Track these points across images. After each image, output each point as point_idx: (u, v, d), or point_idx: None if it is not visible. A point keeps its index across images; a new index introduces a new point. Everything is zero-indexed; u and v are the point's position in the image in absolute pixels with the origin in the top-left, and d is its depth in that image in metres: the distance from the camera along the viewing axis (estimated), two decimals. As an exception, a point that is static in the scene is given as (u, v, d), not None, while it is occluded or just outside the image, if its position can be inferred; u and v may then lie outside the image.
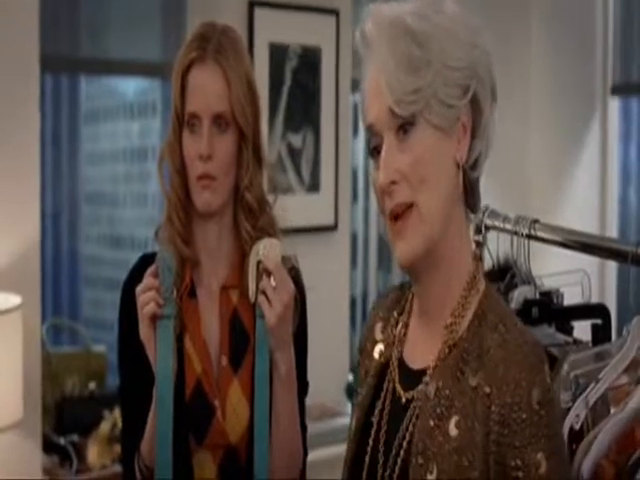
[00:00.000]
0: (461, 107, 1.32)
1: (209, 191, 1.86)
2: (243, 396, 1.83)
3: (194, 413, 1.81)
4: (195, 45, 1.86)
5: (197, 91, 1.86)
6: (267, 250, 1.75)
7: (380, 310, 1.53)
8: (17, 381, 2.75)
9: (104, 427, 3.40)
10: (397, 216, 1.32)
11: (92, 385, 3.61)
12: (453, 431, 1.30)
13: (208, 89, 1.85)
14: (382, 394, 1.43)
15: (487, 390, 1.28)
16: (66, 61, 3.60)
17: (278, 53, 3.55)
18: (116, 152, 6.88)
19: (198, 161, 1.85)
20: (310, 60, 3.68)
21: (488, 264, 1.88)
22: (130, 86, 6.49)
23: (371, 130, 1.34)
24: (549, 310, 1.77)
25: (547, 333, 1.78)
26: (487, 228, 1.86)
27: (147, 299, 1.77)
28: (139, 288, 1.78)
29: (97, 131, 6.87)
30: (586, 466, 1.46)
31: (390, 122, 1.31)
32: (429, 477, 1.30)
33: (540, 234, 1.74)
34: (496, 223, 1.84)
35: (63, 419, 3.44)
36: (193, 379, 1.85)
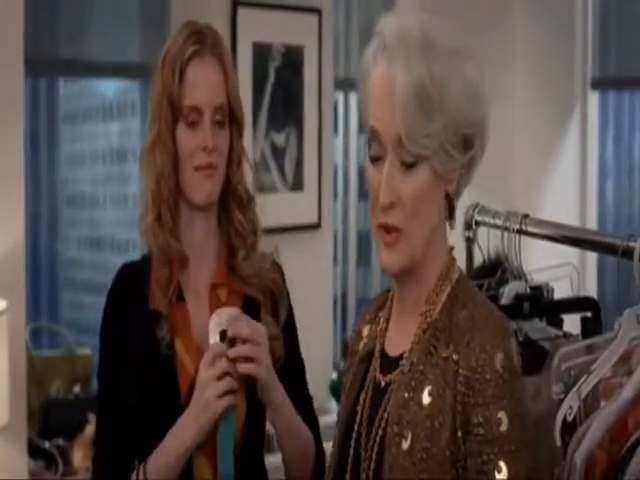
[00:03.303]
0: (460, 161, 1.38)
1: (211, 181, 1.87)
2: (239, 392, 1.83)
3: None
4: (193, 40, 1.87)
5: (198, 84, 1.86)
6: (230, 319, 1.78)
7: (367, 313, 1.59)
8: (3, 386, 2.73)
9: (89, 430, 3.37)
10: (386, 229, 1.38)
11: (77, 388, 3.59)
12: (426, 399, 1.37)
13: (209, 82, 1.86)
14: (366, 384, 1.49)
15: (455, 357, 1.36)
16: (46, 63, 3.57)
17: (261, 52, 3.56)
18: (95, 153, 6.83)
19: (200, 152, 1.84)
20: (293, 59, 3.68)
21: (479, 260, 1.89)
22: (109, 87, 6.45)
23: (374, 134, 1.37)
24: (540, 304, 1.79)
25: (538, 327, 1.80)
26: (477, 224, 1.86)
27: (224, 387, 1.76)
28: (213, 373, 1.77)
29: (76, 132, 6.82)
30: (579, 456, 1.49)
31: (396, 147, 1.35)
32: (404, 444, 1.37)
33: (531, 229, 1.76)
34: (486, 219, 1.86)
35: (48, 423, 3.42)
36: (187, 382, 1.84)
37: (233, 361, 1.75)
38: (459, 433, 1.34)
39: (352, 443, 1.48)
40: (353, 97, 4.45)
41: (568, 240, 1.71)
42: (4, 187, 2.97)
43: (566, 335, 1.80)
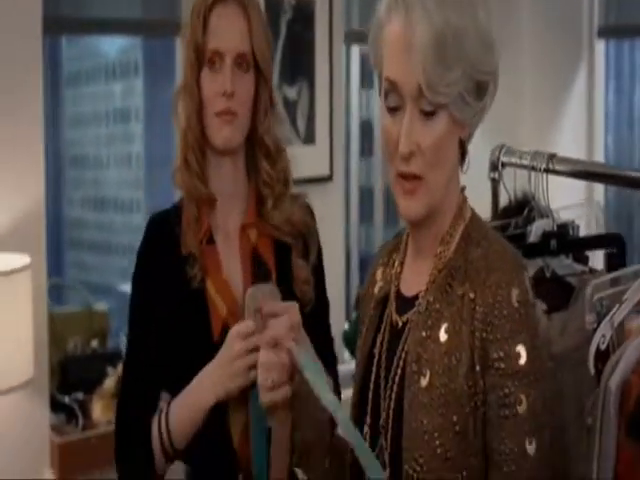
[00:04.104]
0: (476, 107, 1.40)
1: (230, 127, 1.89)
2: None
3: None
4: None
5: (220, 30, 1.88)
6: (265, 295, 1.76)
7: (381, 257, 1.62)
8: (27, 340, 2.75)
9: (108, 383, 3.42)
10: (406, 177, 1.40)
11: (94, 343, 3.60)
12: (443, 337, 1.40)
13: (232, 28, 1.88)
14: (382, 326, 1.52)
15: (472, 295, 1.39)
16: (48, 21, 3.57)
17: (273, 6, 3.55)
18: (99, 114, 6.83)
19: (220, 97, 1.87)
20: (304, 12, 3.68)
21: (505, 200, 1.92)
22: (111, 46, 6.43)
23: (392, 86, 1.38)
24: (567, 241, 1.82)
25: (565, 264, 1.83)
26: (503, 165, 1.89)
27: (254, 360, 1.71)
28: (244, 345, 1.77)
29: (79, 93, 6.82)
30: (614, 382, 1.53)
31: (416, 97, 1.37)
32: (422, 381, 1.40)
33: (558, 167, 1.78)
34: (512, 160, 1.88)
35: (67, 378, 3.44)
36: (219, 322, 1.88)
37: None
38: (477, 367, 1.37)
39: (371, 385, 1.51)
40: (355, 51, 4.42)
41: (596, 176, 1.74)
42: (24, 147, 2.98)
43: (592, 271, 1.84)
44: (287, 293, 1.88)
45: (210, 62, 1.88)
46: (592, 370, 1.60)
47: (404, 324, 1.47)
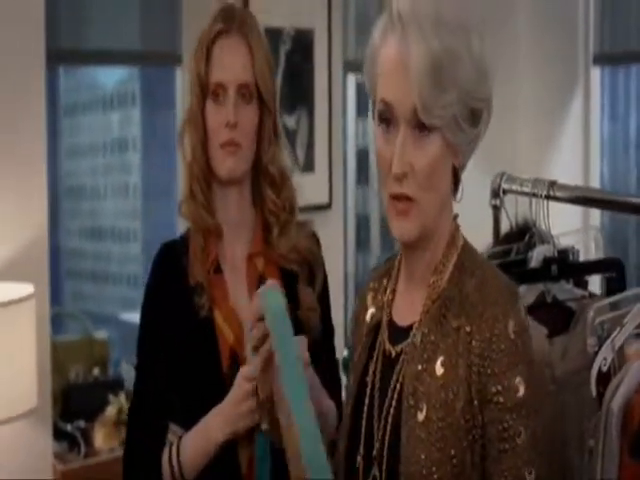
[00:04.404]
0: (471, 134, 1.41)
1: (234, 158, 1.92)
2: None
3: (232, 382, 1.85)
4: (220, 19, 1.93)
5: (223, 61, 1.91)
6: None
7: (372, 281, 1.61)
8: (31, 369, 2.76)
9: (110, 411, 3.45)
10: (398, 198, 1.40)
11: (96, 371, 3.65)
12: (439, 370, 1.40)
13: (234, 59, 1.91)
14: (374, 354, 1.51)
15: (468, 329, 1.39)
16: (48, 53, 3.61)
17: (273, 37, 3.58)
18: (96, 144, 6.87)
19: (223, 129, 1.90)
20: (303, 43, 3.74)
21: (506, 227, 1.95)
22: (109, 77, 6.48)
23: (387, 107, 1.39)
24: (567, 266, 1.85)
25: (566, 289, 1.87)
26: (504, 192, 1.93)
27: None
28: (249, 388, 1.78)
29: (76, 124, 6.86)
30: (616, 404, 1.55)
31: (410, 118, 1.38)
32: (419, 415, 1.39)
33: (559, 194, 1.82)
34: (513, 187, 1.92)
35: (69, 406, 3.47)
36: (227, 349, 1.90)
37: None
38: (475, 402, 1.37)
39: (364, 415, 1.50)
40: (351, 80, 4.47)
41: (596, 203, 1.78)
42: (27, 176, 3.01)
43: (591, 295, 1.87)
44: (293, 320, 1.91)
45: (214, 94, 1.92)
46: (594, 392, 1.63)
47: (398, 354, 1.47)
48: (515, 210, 1.92)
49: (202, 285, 1.93)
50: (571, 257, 1.90)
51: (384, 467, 1.44)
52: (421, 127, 1.38)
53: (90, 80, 6.70)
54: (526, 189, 1.88)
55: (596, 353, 1.62)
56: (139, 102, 6.25)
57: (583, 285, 1.93)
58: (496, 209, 1.93)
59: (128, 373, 3.56)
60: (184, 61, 3.45)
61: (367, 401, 1.50)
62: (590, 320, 1.62)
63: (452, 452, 1.37)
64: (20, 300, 2.73)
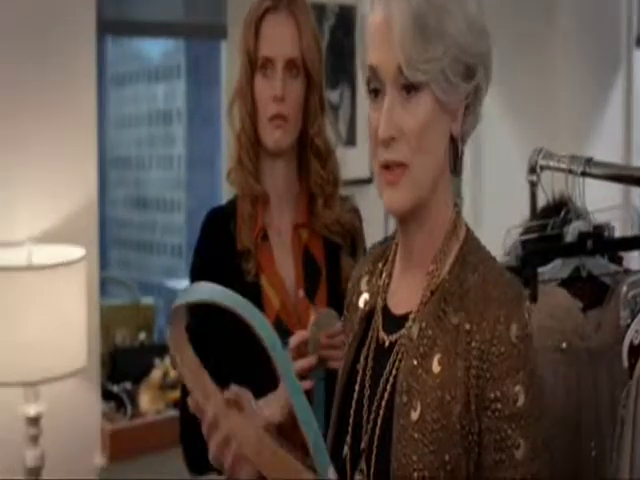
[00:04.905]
0: (464, 90, 1.35)
1: (281, 130, 2.00)
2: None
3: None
4: None
5: (272, 37, 1.99)
6: (325, 322, 1.81)
7: (366, 264, 1.56)
8: (81, 330, 2.85)
9: (155, 375, 3.53)
10: (388, 167, 1.34)
11: (142, 336, 3.73)
12: (436, 368, 1.33)
13: (282, 35, 1.99)
14: (367, 341, 1.46)
15: (467, 327, 1.32)
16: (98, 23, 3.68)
17: (316, 13, 3.61)
18: (141, 115, 6.96)
19: (271, 102, 1.98)
20: (346, 19, 3.78)
21: (543, 201, 2.01)
22: (154, 49, 6.56)
23: (373, 72, 1.34)
24: (602, 242, 1.90)
25: (601, 264, 1.92)
26: (541, 168, 1.99)
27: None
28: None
29: (122, 94, 6.96)
30: (648, 376, 1.60)
31: (396, 78, 1.32)
32: (413, 414, 1.33)
33: (595, 171, 1.87)
34: (550, 163, 1.97)
35: (116, 368, 3.55)
36: (272, 314, 1.98)
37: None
38: (472, 407, 1.30)
39: (353, 404, 1.44)
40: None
41: (631, 180, 1.83)
42: (79, 142, 3.11)
43: (626, 271, 1.92)
44: (334, 291, 1.99)
45: (262, 68, 2.00)
46: (625, 363, 1.66)
47: (392, 344, 1.40)
48: (552, 186, 1.98)
49: (249, 251, 2.01)
50: (607, 233, 1.94)
51: (372, 462, 1.38)
52: (409, 88, 1.32)
53: (136, 51, 6.78)
54: (563, 165, 1.93)
55: (628, 326, 1.66)
56: (184, 74, 6.32)
57: (618, 261, 1.98)
58: (533, 184, 1.98)
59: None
60: (229, 34, 3.52)
61: (357, 389, 1.44)
62: (623, 294, 1.66)
63: (446, 457, 1.30)
64: (71, 262, 2.83)
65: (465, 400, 1.30)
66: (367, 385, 1.42)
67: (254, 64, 2.01)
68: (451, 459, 1.30)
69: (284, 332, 1.95)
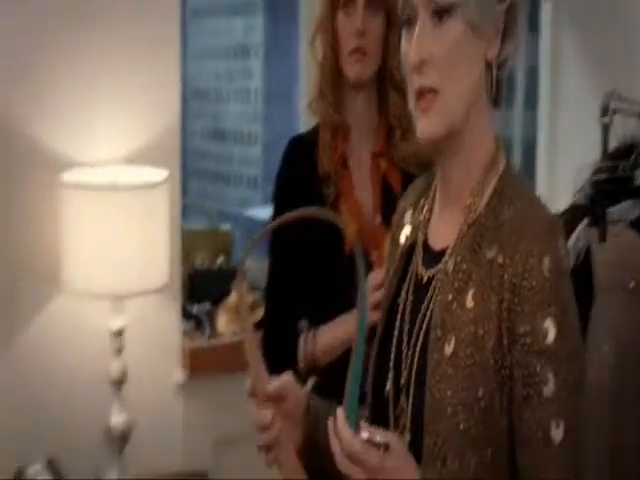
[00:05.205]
0: (498, 11, 1.34)
1: (361, 64, 2.09)
2: None
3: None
4: None
5: None
6: None
7: (409, 197, 1.58)
8: (164, 248, 2.97)
9: (232, 298, 3.59)
10: (422, 94, 1.35)
11: (220, 260, 3.81)
12: (470, 303, 1.33)
13: None
14: (407, 277, 1.47)
15: (500, 260, 1.32)
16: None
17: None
18: (220, 49, 7.04)
19: (352, 36, 2.07)
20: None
21: (614, 144, 2.04)
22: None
23: (405, 1, 1.36)
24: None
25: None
26: (614, 111, 2.01)
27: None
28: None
29: (201, 28, 7.04)
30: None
31: (426, 3, 1.33)
32: (447, 349, 1.33)
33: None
34: (623, 106, 2.00)
35: (195, 290, 3.64)
36: (350, 238, 2.08)
37: None
38: (505, 341, 1.30)
39: (394, 339, 1.45)
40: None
41: None
42: (163, 66, 3.17)
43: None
44: None
45: (344, 6, 2.08)
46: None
47: (430, 280, 1.42)
48: (623, 128, 2.00)
49: (330, 176, 2.11)
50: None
51: (411, 398, 1.39)
52: (440, 14, 1.32)
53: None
54: (635, 109, 1.95)
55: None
56: (262, 9, 6.38)
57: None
58: (605, 127, 2.01)
59: (251, 264, 3.77)
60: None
61: (398, 324, 1.45)
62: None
63: (480, 393, 1.31)
64: (155, 184, 2.94)
65: (497, 334, 1.30)
66: (407, 320, 1.43)
67: (336, 1, 2.09)
68: (485, 394, 1.30)
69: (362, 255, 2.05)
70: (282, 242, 2.15)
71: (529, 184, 1.43)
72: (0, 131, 2.97)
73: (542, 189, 3.84)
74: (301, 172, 2.16)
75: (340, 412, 1.27)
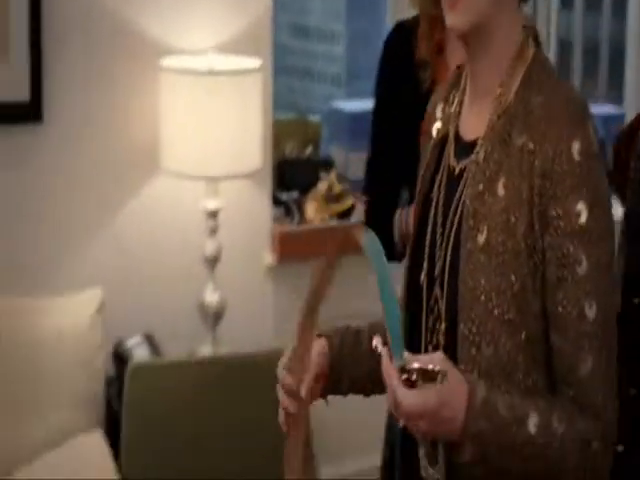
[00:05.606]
0: None
1: None
2: None
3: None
4: None
5: None
6: None
7: (440, 92, 1.58)
8: (257, 135, 3.05)
9: (321, 187, 3.63)
10: None
11: (309, 150, 3.84)
12: (501, 191, 1.34)
13: None
14: (440, 170, 1.47)
15: (531, 147, 1.32)
16: None
17: None
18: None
19: None
20: None
21: None
22: None
23: None
24: None
25: None
26: None
27: None
28: None
29: None
30: None
31: None
32: (479, 238, 1.35)
33: None
34: None
35: (284, 178, 3.68)
36: None
37: None
38: (536, 226, 1.31)
39: (428, 232, 1.45)
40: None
41: None
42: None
43: None
44: None
45: None
46: None
47: (462, 171, 1.42)
48: None
49: (426, 61, 2.17)
50: None
51: (445, 287, 1.40)
52: None
53: None
54: None
55: None
56: None
57: None
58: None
59: (338, 155, 3.85)
60: None
61: (432, 217, 1.45)
62: None
63: (513, 278, 1.32)
64: (249, 71, 3.01)
65: (529, 219, 1.31)
66: (440, 212, 1.44)
67: None
68: (517, 279, 1.32)
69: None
70: (383, 113, 2.24)
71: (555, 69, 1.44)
72: (106, 19, 3.06)
73: (630, 96, 3.79)
74: (399, 56, 2.23)
75: (385, 356, 1.25)
